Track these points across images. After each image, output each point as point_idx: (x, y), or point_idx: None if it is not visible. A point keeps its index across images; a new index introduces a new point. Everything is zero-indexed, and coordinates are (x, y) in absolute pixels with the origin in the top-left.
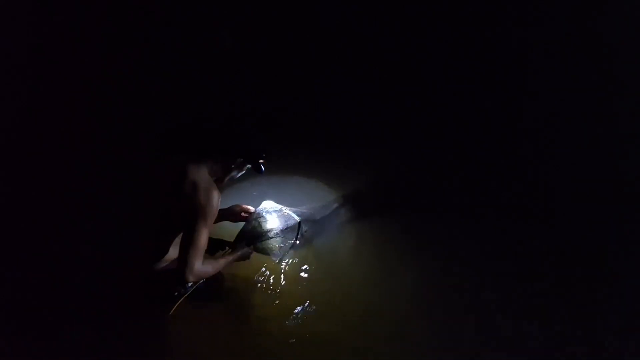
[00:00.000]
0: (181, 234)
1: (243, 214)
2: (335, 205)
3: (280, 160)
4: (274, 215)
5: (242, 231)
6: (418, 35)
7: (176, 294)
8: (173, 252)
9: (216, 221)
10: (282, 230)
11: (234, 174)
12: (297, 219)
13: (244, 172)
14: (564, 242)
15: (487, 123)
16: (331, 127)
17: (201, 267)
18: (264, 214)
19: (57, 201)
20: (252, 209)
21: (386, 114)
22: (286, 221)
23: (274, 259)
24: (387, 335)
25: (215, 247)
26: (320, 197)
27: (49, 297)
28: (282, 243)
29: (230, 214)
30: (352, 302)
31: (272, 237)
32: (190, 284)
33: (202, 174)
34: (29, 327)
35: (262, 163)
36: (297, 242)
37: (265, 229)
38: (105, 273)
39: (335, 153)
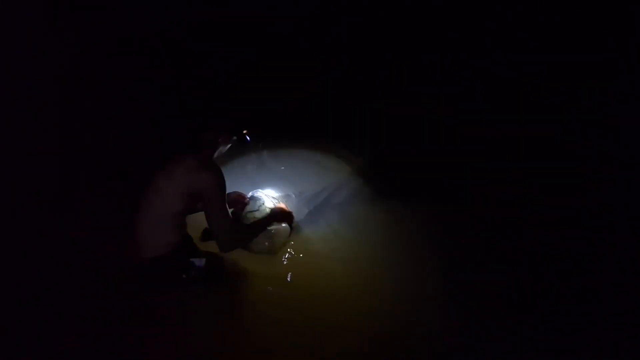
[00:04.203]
0: (179, 218)
1: (239, 200)
2: (333, 188)
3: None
4: (265, 207)
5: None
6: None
7: (184, 276)
8: (173, 237)
9: None
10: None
11: (221, 148)
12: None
13: (230, 145)
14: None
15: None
16: (333, 111)
17: (236, 236)
18: (257, 206)
19: (54, 197)
20: (247, 197)
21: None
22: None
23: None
24: (392, 321)
25: (209, 235)
26: (319, 179)
27: (47, 292)
28: (270, 239)
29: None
30: (355, 288)
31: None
32: (199, 265)
33: (198, 157)
34: (26, 324)
35: (245, 134)
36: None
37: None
38: (104, 264)
39: (336, 137)
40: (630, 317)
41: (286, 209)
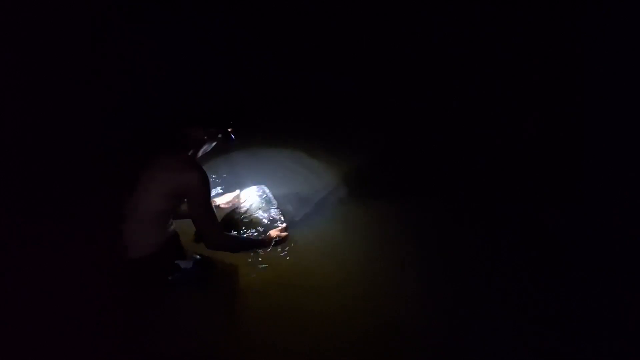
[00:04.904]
0: (164, 219)
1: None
2: (327, 189)
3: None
4: (257, 205)
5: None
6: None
7: (170, 278)
8: (159, 237)
9: None
10: (266, 222)
11: (206, 146)
12: (281, 220)
13: (215, 143)
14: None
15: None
16: (327, 108)
17: (223, 235)
18: (248, 205)
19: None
20: (239, 196)
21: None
22: (270, 215)
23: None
24: (384, 315)
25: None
26: (313, 178)
27: (35, 295)
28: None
29: (221, 205)
30: (347, 284)
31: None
32: (186, 266)
33: (182, 157)
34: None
35: (230, 131)
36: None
37: (248, 221)
38: (91, 265)
39: (330, 134)
40: (635, 322)
41: (281, 234)
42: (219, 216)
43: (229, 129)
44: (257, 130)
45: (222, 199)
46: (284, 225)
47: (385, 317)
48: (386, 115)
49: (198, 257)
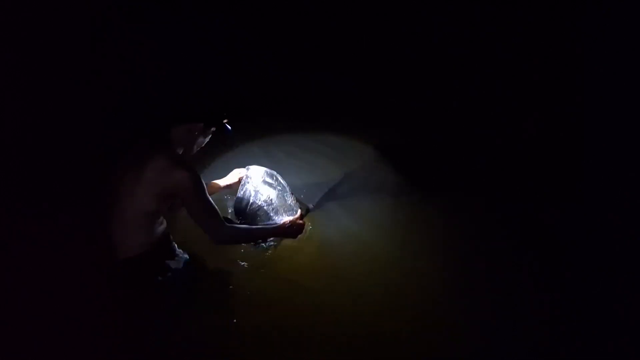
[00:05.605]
0: (153, 219)
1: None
2: (325, 189)
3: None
4: (272, 192)
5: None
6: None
7: (160, 278)
8: (148, 237)
9: (216, 191)
10: (275, 209)
11: (199, 141)
12: (297, 207)
13: (209, 137)
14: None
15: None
16: (327, 108)
17: (228, 229)
18: (257, 186)
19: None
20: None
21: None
22: (285, 203)
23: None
24: (384, 314)
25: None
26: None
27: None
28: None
29: (230, 184)
30: (335, 283)
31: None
32: (176, 267)
33: (167, 156)
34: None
35: (225, 122)
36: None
37: (259, 204)
38: (90, 267)
39: (330, 134)
40: (635, 322)
41: (297, 222)
42: (224, 207)
43: (224, 120)
44: (257, 130)
45: (229, 179)
46: (299, 213)
47: (386, 317)
48: (386, 115)
49: (187, 257)
